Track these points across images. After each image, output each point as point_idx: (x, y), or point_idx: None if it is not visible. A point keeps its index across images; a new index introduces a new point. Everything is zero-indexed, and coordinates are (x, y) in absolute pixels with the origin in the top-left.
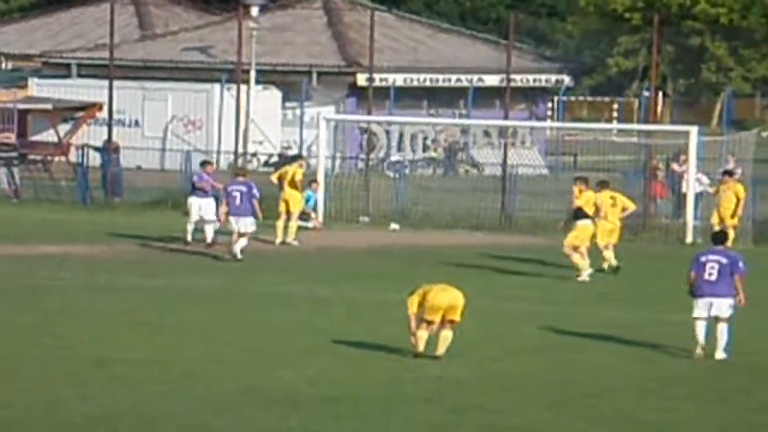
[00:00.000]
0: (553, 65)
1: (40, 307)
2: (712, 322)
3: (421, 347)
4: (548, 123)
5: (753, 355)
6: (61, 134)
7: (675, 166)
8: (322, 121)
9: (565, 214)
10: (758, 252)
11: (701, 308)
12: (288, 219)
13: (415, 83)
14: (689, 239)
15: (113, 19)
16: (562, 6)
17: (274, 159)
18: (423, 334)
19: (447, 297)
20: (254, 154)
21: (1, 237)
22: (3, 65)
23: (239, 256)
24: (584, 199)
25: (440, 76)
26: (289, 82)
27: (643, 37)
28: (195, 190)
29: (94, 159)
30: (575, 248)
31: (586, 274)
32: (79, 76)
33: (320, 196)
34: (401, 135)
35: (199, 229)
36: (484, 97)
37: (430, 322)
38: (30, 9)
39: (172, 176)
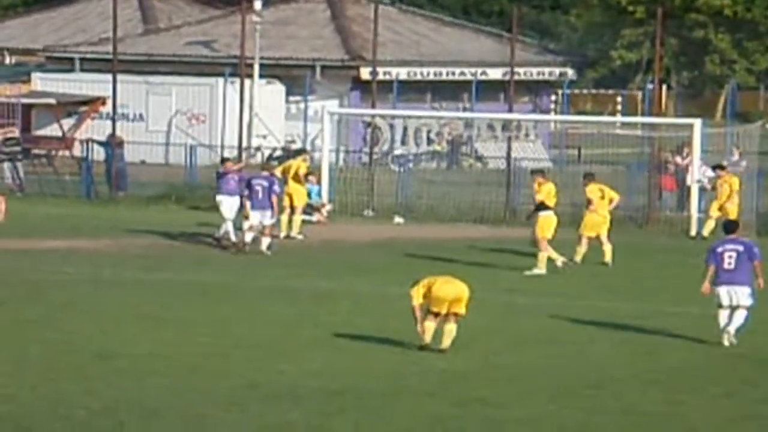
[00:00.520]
0: (557, 58)
1: (45, 301)
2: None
3: (428, 338)
4: (552, 116)
5: (759, 348)
6: (65, 129)
7: (678, 159)
8: (325, 114)
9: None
10: (762, 243)
11: (723, 297)
12: (292, 213)
13: (419, 77)
14: (693, 232)
15: (116, 13)
16: None
17: (278, 153)
18: (430, 325)
19: (452, 289)
20: (258, 148)
21: (6, 231)
22: (7, 60)
23: (266, 250)
24: (545, 191)
25: (444, 70)
26: (293, 76)
27: (647, 29)
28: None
29: (98, 153)
30: (547, 240)
31: (560, 262)
32: (83, 70)
33: (324, 188)
34: (405, 128)
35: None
36: (487, 90)
37: (436, 314)
38: (33, 3)
39: (176, 170)
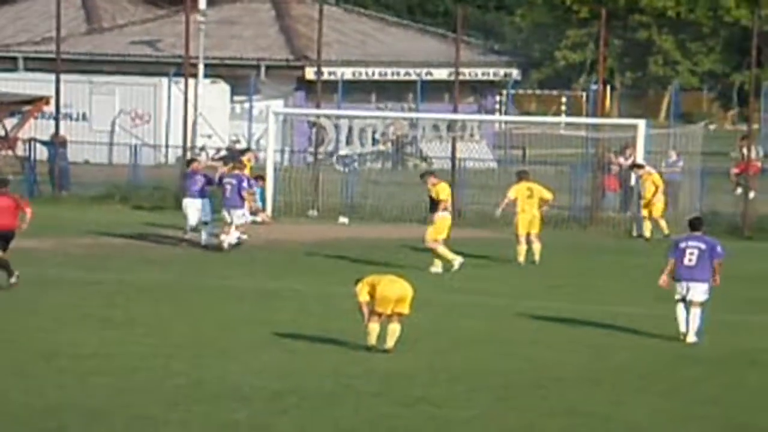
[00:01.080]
0: (502, 59)
1: None
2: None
3: (372, 340)
4: (497, 116)
5: (702, 348)
6: (8, 128)
7: (621, 160)
8: (270, 114)
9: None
10: None
11: (679, 291)
12: None
13: (364, 77)
14: (635, 232)
15: (60, 13)
16: None
17: (223, 153)
18: (374, 327)
19: (396, 289)
20: (203, 148)
21: None
22: None
23: (226, 247)
24: (438, 191)
25: (389, 70)
26: (238, 76)
27: (591, 30)
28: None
29: (42, 153)
30: (436, 241)
31: (457, 263)
32: (26, 69)
33: (268, 190)
34: (350, 129)
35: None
36: (432, 90)
37: (380, 314)
38: None
39: (119, 170)
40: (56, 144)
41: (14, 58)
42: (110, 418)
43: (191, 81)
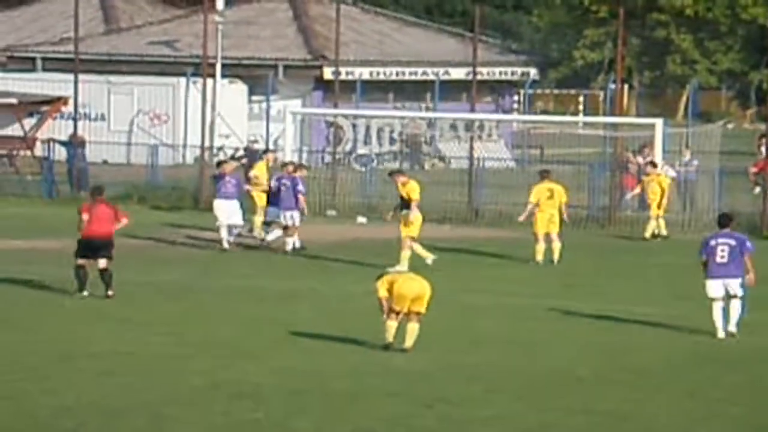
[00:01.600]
0: (519, 58)
1: (6, 301)
2: (726, 301)
3: (390, 337)
4: (514, 116)
5: (721, 348)
6: (27, 128)
7: (639, 159)
8: (288, 114)
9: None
10: None
11: (716, 289)
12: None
13: (382, 76)
14: (664, 231)
15: (78, 13)
16: None
17: (241, 153)
18: (392, 324)
19: (414, 287)
20: (221, 148)
21: None
22: None
23: (289, 249)
24: (409, 190)
25: (406, 70)
26: (255, 76)
27: (609, 29)
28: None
29: (60, 153)
30: (413, 239)
31: (430, 260)
32: (44, 70)
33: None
34: (368, 128)
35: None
36: (450, 90)
37: (398, 312)
38: None
39: (138, 170)
40: (74, 144)
41: (33, 59)
42: (128, 417)
43: (209, 81)
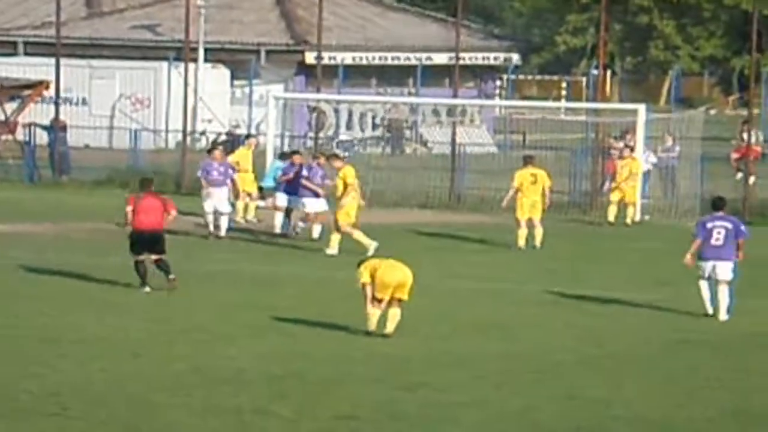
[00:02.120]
0: (502, 43)
1: None
2: (714, 284)
3: (372, 326)
4: (497, 101)
5: (702, 332)
6: (8, 113)
7: (621, 145)
8: (270, 99)
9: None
10: None
11: (706, 270)
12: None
13: (364, 61)
14: (637, 217)
15: None
16: None
17: (223, 138)
18: (375, 312)
19: (396, 275)
20: (203, 133)
21: None
22: None
23: (316, 236)
24: (345, 174)
25: (389, 55)
26: (238, 61)
27: (592, 15)
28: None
29: (42, 137)
30: (353, 225)
31: (372, 248)
32: (26, 54)
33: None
34: (350, 113)
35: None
36: (432, 75)
37: (380, 300)
38: None
39: (120, 155)
40: (56, 128)
41: (14, 43)
42: (112, 402)
43: (191, 65)
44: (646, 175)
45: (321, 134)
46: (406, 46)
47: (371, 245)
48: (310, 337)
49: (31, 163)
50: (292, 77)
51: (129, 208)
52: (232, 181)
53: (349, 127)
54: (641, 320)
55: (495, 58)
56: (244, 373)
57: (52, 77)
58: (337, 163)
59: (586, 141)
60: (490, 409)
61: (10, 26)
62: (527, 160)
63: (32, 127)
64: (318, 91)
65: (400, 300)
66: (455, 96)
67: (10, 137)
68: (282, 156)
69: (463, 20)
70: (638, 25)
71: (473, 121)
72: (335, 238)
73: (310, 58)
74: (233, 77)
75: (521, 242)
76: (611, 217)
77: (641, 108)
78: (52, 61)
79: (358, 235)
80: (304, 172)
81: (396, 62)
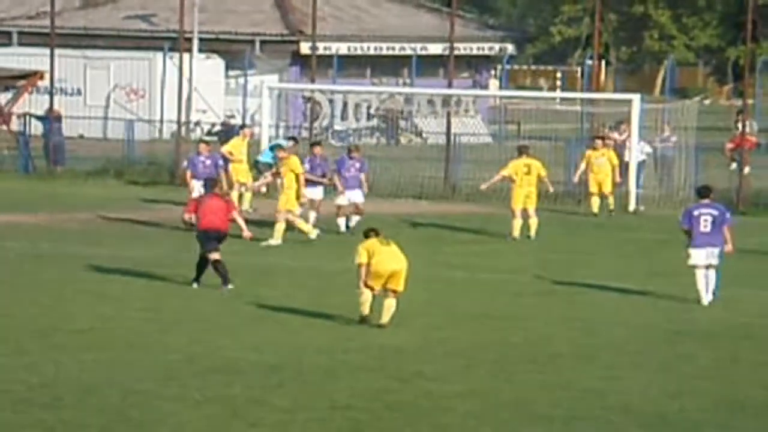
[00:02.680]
0: (497, 33)
1: None
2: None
3: (366, 309)
4: (492, 91)
5: (695, 323)
6: (3, 103)
7: (616, 135)
8: (265, 89)
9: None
10: None
11: (700, 258)
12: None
13: (359, 52)
14: (632, 207)
15: None
16: None
17: (218, 128)
18: (368, 295)
19: (390, 265)
20: (197, 123)
21: None
22: None
23: (342, 228)
24: (290, 165)
25: (384, 45)
26: (232, 51)
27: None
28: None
29: (36, 128)
30: (290, 212)
31: (314, 234)
32: (20, 44)
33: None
34: (345, 104)
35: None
36: (427, 65)
37: (372, 288)
38: None
39: (114, 145)
40: (51, 119)
41: (8, 33)
42: (105, 392)
43: (186, 56)
44: (641, 165)
45: (315, 125)
46: (400, 37)
47: (313, 233)
48: (304, 327)
49: (26, 154)
50: (287, 67)
51: (192, 216)
52: (225, 171)
53: (343, 117)
54: (635, 310)
55: (490, 49)
56: (238, 363)
57: (46, 67)
58: (281, 153)
59: (580, 131)
60: (484, 399)
61: (4, 16)
62: (522, 150)
63: (27, 118)
64: (312, 81)
65: (395, 291)
66: (450, 86)
67: (4, 128)
68: (290, 139)
69: (458, 10)
70: (633, 15)
71: (468, 112)
72: (280, 228)
73: (304, 48)
74: (228, 67)
75: (516, 233)
76: (595, 209)
77: (636, 98)
78: (47, 51)
79: (299, 223)
80: (306, 166)
81: (391, 52)
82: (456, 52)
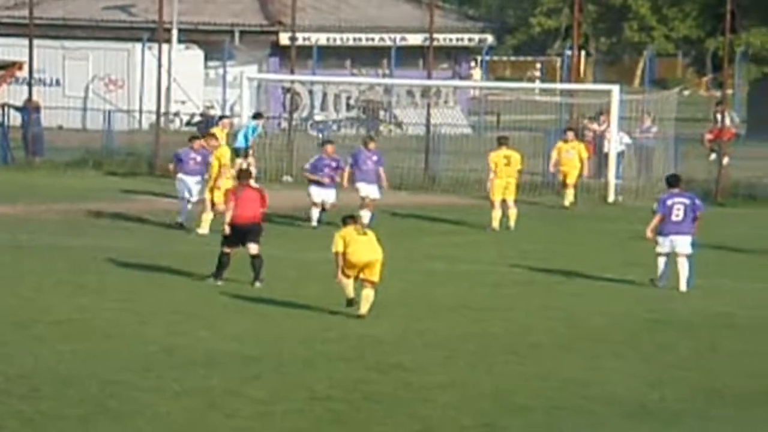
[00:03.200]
0: (476, 24)
1: None
2: (672, 257)
3: (350, 292)
4: (471, 82)
5: (675, 312)
6: None
7: (595, 126)
8: (244, 80)
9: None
10: None
11: (665, 245)
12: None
13: (338, 42)
14: (611, 198)
15: None
16: None
17: (197, 119)
18: (347, 281)
19: (364, 256)
20: (176, 114)
21: None
22: None
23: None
24: (220, 155)
25: (363, 36)
26: (212, 42)
27: None
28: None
29: (15, 118)
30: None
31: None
32: None
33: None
34: (324, 94)
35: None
36: (407, 56)
37: (348, 276)
38: None
39: (93, 136)
40: (29, 109)
41: None
42: (83, 383)
43: (165, 46)
44: (620, 156)
45: (295, 115)
46: (380, 27)
47: (205, 229)
48: (283, 318)
49: (4, 144)
50: (266, 58)
51: (231, 204)
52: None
53: (323, 108)
54: (615, 301)
55: (470, 39)
56: (216, 354)
57: (25, 58)
58: (213, 142)
59: (560, 122)
60: (464, 390)
61: None
62: (501, 142)
63: (5, 108)
64: (292, 72)
65: (372, 282)
66: (429, 77)
67: None
68: (255, 116)
69: (438, 1)
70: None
71: (447, 102)
72: (207, 218)
73: (284, 39)
74: (207, 58)
75: (495, 223)
76: (567, 202)
77: (615, 89)
78: (25, 41)
79: (208, 215)
80: (307, 166)
81: (370, 43)
82: (435, 43)
